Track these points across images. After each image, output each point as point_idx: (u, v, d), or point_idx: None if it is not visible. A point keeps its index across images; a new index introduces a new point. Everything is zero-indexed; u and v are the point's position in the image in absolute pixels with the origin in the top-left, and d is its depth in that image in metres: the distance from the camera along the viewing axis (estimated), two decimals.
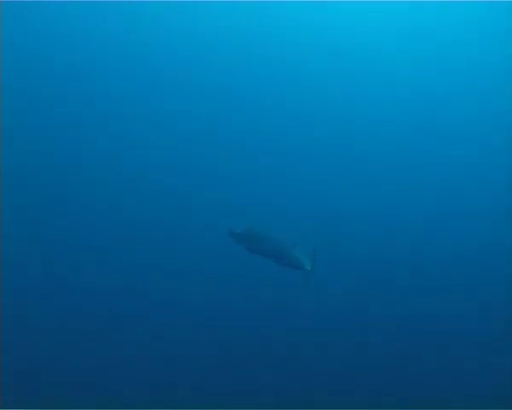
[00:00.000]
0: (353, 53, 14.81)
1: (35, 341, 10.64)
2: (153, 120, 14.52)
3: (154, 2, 13.57)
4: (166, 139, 14.46)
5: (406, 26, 14.40)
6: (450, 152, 15.00)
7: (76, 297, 12.05)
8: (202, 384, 10.22)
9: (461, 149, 15.02)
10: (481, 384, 10.62)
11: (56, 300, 11.86)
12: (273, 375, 10.48)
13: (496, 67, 14.76)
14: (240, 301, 11.82)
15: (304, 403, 10.08)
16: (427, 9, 13.86)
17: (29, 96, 13.89)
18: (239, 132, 14.74)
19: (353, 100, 15.24)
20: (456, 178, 14.66)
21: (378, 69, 15.32)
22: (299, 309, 11.48)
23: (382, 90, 15.40)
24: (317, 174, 14.17)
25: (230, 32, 14.58)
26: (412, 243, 13.60)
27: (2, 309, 10.52)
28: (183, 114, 14.55)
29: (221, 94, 14.74)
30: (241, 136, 14.68)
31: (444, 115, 15.26)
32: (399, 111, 15.30)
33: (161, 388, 10.26)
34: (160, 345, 11.23)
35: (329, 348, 11.33)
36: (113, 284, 12.52)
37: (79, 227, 13.05)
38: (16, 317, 10.58)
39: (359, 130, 15.01)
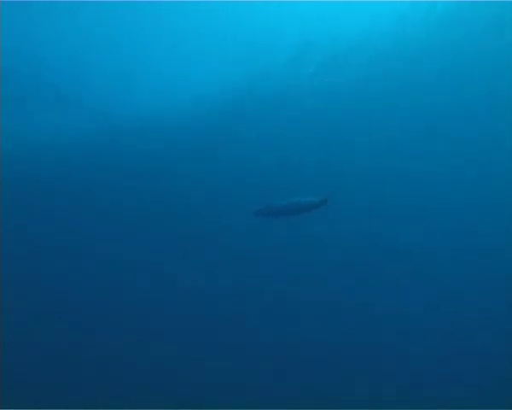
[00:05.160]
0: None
1: (35, 341, 10.63)
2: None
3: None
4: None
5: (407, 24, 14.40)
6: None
7: (76, 298, 12.03)
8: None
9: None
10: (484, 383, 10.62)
11: (56, 299, 11.85)
12: None
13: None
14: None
15: None
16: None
17: (28, 100, 13.91)
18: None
19: None
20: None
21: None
22: None
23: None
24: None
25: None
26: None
27: (2, 309, 10.51)
28: None
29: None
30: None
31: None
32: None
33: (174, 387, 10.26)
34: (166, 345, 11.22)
35: None
36: (115, 281, 12.51)
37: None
38: (16, 317, 10.56)
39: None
